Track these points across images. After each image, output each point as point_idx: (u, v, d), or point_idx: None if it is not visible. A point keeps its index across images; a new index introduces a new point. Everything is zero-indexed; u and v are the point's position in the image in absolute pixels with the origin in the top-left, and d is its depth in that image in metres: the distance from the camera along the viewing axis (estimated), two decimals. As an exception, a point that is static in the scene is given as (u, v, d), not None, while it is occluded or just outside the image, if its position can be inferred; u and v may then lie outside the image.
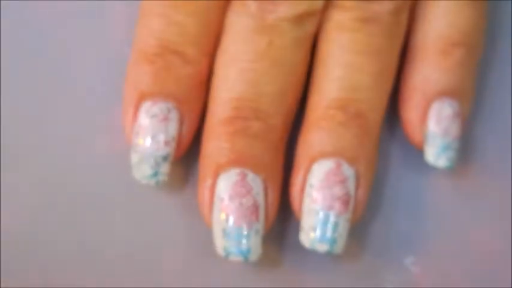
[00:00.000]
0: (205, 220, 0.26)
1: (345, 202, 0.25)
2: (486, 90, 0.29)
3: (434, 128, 0.27)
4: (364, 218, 0.27)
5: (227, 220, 0.25)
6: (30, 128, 0.27)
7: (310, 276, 0.27)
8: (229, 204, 0.25)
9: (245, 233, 0.25)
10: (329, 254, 0.26)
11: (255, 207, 0.25)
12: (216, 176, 0.25)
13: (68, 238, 0.27)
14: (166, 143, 0.25)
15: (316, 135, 0.26)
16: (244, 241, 0.25)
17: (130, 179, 0.26)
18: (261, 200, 0.25)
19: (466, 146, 0.28)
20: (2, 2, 0.28)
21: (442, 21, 0.27)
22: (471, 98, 0.28)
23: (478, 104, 0.29)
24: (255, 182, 0.25)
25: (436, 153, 0.27)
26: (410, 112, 0.27)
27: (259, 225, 0.25)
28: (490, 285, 0.27)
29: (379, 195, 0.28)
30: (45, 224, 0.27)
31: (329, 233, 0.25)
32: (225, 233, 0.25)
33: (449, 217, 0.28)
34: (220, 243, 0.25)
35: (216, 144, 0.25)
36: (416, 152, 0.28)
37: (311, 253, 0.26)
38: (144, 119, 0.25)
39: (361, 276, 0.27)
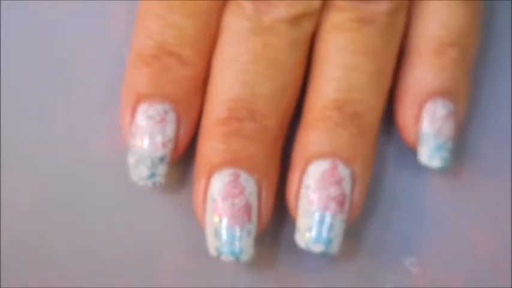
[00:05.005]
0: (199, 220, 0.26)
1: (341, 202, 0.25)
2: (485, 90, 0.29)
3: (428, 128, 0.27)
4: (362, 218, 0.27)
5: (219, 220, 0.25)
6: (30, 128, 0.28)
7: (308, 277, 0.27)
8: (221, 204, 0.25)
9: (237, 233, 0.25)
10: (324, 255, 0.26)
11: (248, 208, 0.25)
12: (209, 176, 0.25)
13: (67, 238, 0.27)
14: (164, 144, 0.25)
15: (313, 135, 0.26)
16: (236, 241, 0.25)
17: (130, 179, 0.26)
18: (254, 200, 0.25)
19: (464, 146, 0.28)
20: (2, 2, 0.28)
21: (435, 22, 0.27)
22: (466, 98, 0.28)
23: (476, 104, 0.29)
24: (248, 182, 0.25)
25: (430, 153, 0.27)
26: (404, 112, 0.27)
27: (252, 226, 0.25)
28: (490, 285, 0.27)
29: (377, 196, 0.28)
30: (45, 224, 0.27)
31: (324, 234, 0.25)
32: (217, 233, 0.25)
33: (449, 217, 0.28)
34: (212, 243, 0.25)
35: (210, 144, 0.25)
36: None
37: (308, 254, 0.26)
38: (141, 121, 0.25)
39: (361, 276, 0.27)
